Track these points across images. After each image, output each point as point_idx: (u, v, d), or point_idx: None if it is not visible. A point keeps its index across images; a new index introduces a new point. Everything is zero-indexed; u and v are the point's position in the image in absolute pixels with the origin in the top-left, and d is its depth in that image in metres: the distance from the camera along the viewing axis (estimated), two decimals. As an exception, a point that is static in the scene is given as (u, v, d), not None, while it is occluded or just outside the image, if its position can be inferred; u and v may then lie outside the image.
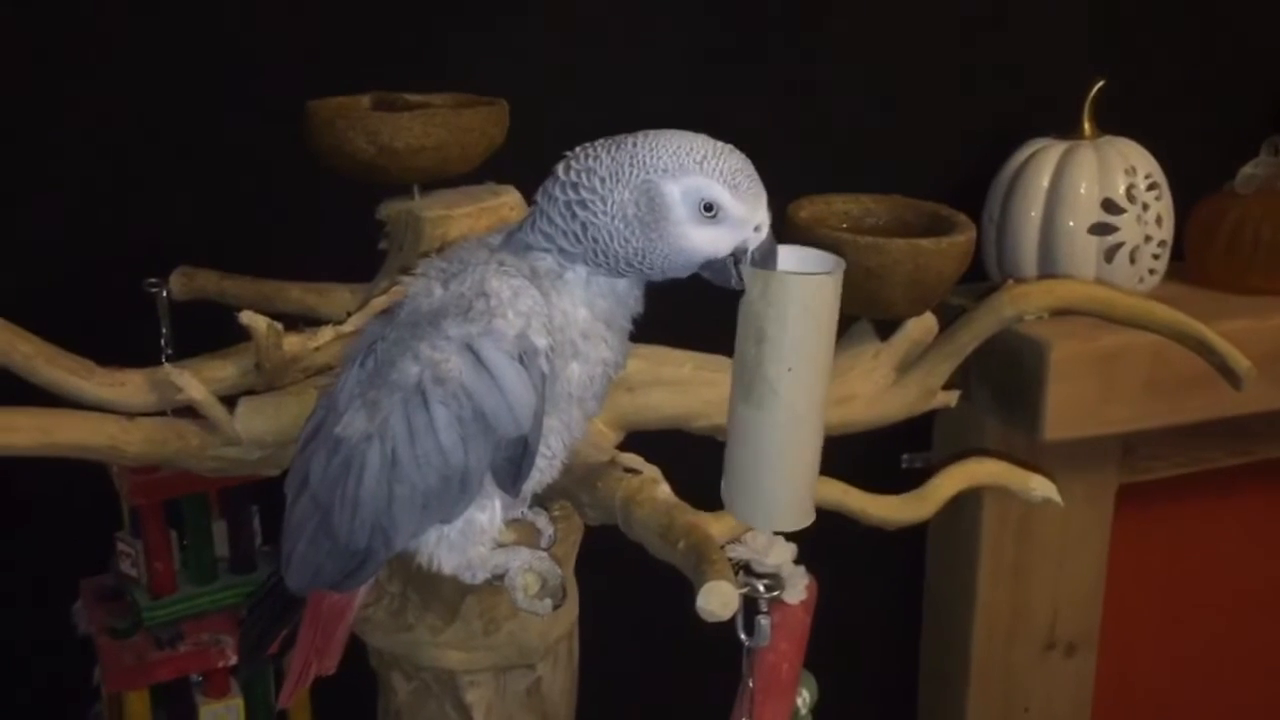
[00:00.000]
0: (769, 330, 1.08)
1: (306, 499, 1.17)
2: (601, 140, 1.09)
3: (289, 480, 1.20)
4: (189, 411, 1.32)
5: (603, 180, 1.07)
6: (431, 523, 1.16)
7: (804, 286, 1.07)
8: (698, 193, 1.05)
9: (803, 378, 1.09)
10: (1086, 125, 2.19)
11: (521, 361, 1.07)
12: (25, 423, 1.22)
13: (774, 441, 1.12)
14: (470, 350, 1.07)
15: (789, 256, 1.11)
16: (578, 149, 1.10)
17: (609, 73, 2.02)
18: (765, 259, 1.09)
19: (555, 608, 1.23)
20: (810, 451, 1.15)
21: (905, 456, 2.36)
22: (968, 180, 2.25)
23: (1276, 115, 2.42)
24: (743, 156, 1.07)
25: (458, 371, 1.07)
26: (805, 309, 1.08)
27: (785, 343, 1.08)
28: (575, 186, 1.08)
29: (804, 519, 1.16)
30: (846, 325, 1.55)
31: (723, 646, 1.17)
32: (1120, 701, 2.60)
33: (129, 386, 1.34)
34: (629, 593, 1.88)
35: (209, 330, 1.46)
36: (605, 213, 1.07)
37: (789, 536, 1.20)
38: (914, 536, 2.46)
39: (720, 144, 1.07)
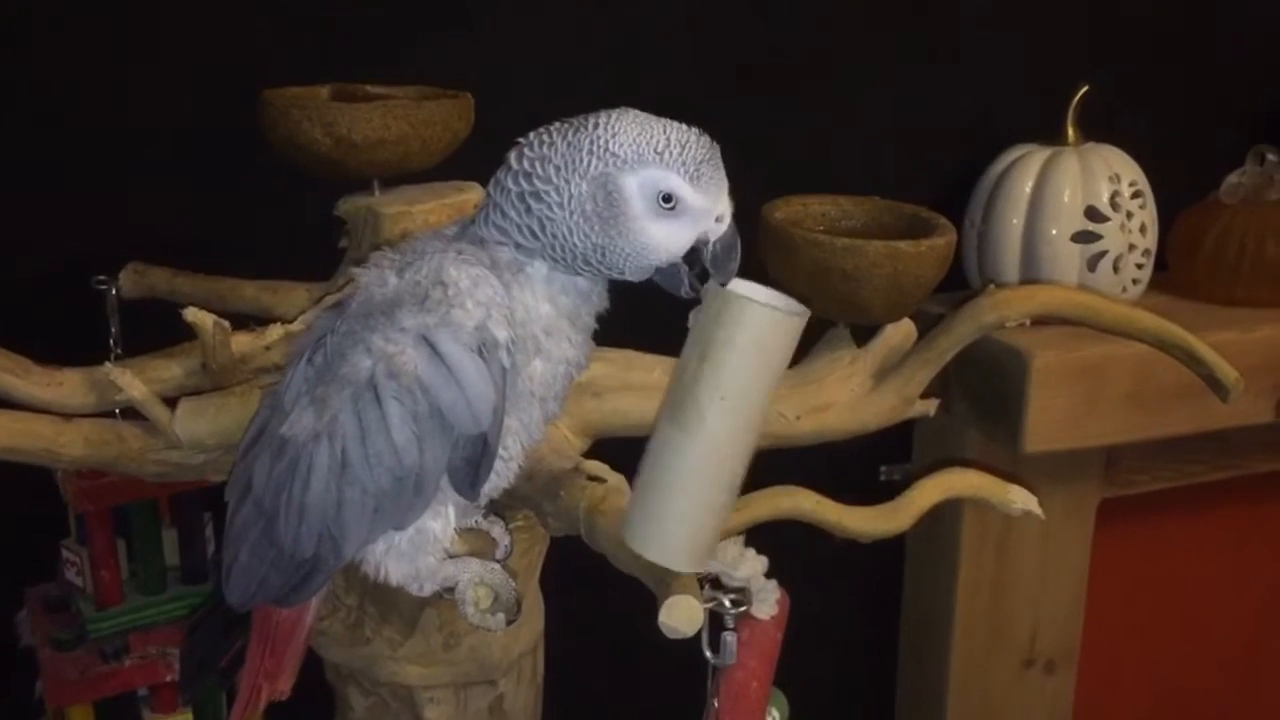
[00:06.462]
0: (713, 352, 1.01)
1: (249, 506, 1.11)
2: (557, 124, 1.03)
3: (230, 487, 1.14)
4: (135, 415, 1.27)
5: (558, 169, 1.01)
6: (383, 529, 1.11)
7: (761, 316, 1.00)
8: (654, 185, 0.99)
9: (734, 412, 1.02)
10: (1070, 132, 2.16)
11: (481, 354, 1.01)
12: (-49, 421, 1.17)
13: (686, 469, 1.04)
14: (426, 342, 1.01)
15: (758, 292, 1.03)
16: (531, 134, 1.04)
17: (581, 68, 1.98)
18: (727, 252, 1.03)
19: (509, 623, 1.18)
20: (722, 494, 1.06)
21: (884, 469, 2.33)
22: (949, 186, 2.23)
23: (1263, 124, 2.40)
24: (707, 142, 1.01)
25: (413, 364, 1.01)
26: (755, 341, 1.00)
27: (725, 370, 1.00)
28: (529, 176, 1.02)
29: (694, 563, 1.06)
30: (823, 330, 1.50)
31: (693, 664, 1.13)
32: (1100, 720, 2.57)
33: (66, 386, 1.30)
34: (596, 608, 1.84)
35: (163, 331, 1.40)
36: (562, 206, 1.01)
37: (760, 549, 1.14)
38: (892, 550, 2.44)
39: (682, 128, 1.01)
